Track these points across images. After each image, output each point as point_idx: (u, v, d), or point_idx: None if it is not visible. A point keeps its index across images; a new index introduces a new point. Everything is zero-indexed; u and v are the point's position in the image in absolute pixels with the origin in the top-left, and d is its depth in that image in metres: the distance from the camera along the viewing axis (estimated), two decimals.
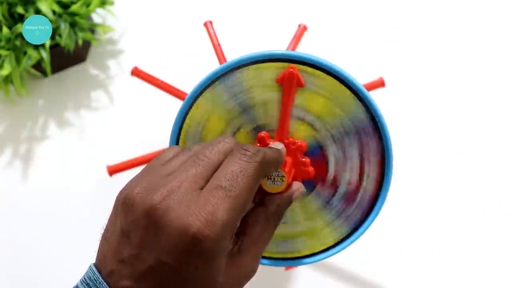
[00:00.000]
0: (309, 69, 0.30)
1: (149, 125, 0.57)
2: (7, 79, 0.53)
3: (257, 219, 0.27)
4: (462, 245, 0.49)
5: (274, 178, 0.28)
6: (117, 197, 0.24)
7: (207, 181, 0.23)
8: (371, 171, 0.32)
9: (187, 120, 0.33)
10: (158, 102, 0.56)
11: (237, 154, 0.25)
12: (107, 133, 0.57)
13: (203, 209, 0.22)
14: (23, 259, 0.51)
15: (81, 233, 0.51)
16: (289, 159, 0.31)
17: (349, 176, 0.32)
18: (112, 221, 0.24)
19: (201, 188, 0.23)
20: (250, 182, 0.24)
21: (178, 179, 0.23)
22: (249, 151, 0.25)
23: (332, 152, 0.32)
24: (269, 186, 0.28)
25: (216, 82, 0.32)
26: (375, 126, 0.31)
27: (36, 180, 0.55)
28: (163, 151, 0.27)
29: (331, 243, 0.34)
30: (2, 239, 0.52)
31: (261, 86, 0.31)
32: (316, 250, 0.34)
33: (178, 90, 0.43)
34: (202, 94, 0.32)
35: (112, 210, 0.25)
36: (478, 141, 0.54)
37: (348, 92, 0.30)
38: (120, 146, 0.56)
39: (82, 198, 0.53)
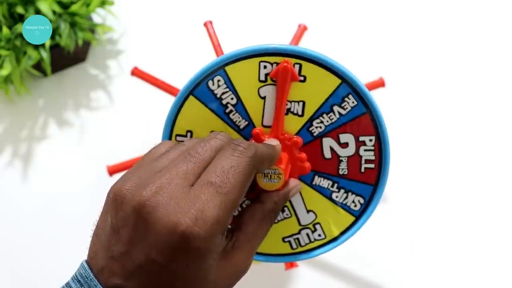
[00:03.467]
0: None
1: (149, 125, 0.57)
2: (7, 79, 0.53)
3: (253, 216, 0.27)
4: (462, 245, 0.49)
5: (270, 176, 0.28)
6: (108, 193, 0.24)
7: (198, 177, 0.23)
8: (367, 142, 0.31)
9: (180, 114, 0.32)
10: (158, 102, 0.56)
11: (228, 149, 0.24)
12: (107, 133, 0.57)
13: (192, 206, 0.21)
14: (23, 258, 0.51)
15: (81, 232, 0.51)
16: (285, 156, 0.30)
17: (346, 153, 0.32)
18: (103, 217, 0.24)
19: (192, 185, 0.22)
20: (241, 178, 0.23)
21: (168, 175, 0.22)
22: (240, 146, 0.24)
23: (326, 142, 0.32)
24: (266, 184, 0.28)
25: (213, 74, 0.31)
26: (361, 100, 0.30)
27: (36, 180, 0.55)
28: (156, 145, 0.27)
29: (349, 223, 0.32)
30: (2, 238, 0.52)
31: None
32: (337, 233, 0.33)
33: (178, 90, 0.43)
34: (197, 88, 0.31)
35: (103, 206, 0.24)
36: (478, 140, 0.54)
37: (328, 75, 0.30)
38: (120, 146, 0.56)
39: (82, 198, 0.53)
